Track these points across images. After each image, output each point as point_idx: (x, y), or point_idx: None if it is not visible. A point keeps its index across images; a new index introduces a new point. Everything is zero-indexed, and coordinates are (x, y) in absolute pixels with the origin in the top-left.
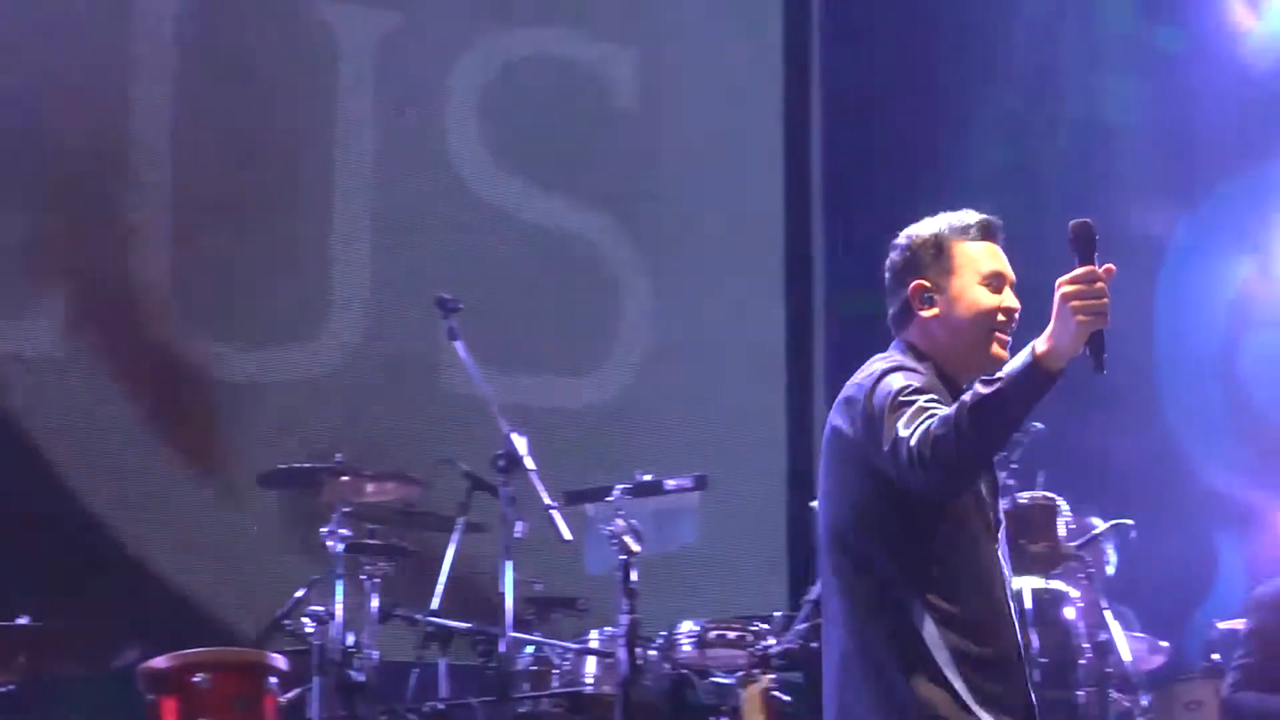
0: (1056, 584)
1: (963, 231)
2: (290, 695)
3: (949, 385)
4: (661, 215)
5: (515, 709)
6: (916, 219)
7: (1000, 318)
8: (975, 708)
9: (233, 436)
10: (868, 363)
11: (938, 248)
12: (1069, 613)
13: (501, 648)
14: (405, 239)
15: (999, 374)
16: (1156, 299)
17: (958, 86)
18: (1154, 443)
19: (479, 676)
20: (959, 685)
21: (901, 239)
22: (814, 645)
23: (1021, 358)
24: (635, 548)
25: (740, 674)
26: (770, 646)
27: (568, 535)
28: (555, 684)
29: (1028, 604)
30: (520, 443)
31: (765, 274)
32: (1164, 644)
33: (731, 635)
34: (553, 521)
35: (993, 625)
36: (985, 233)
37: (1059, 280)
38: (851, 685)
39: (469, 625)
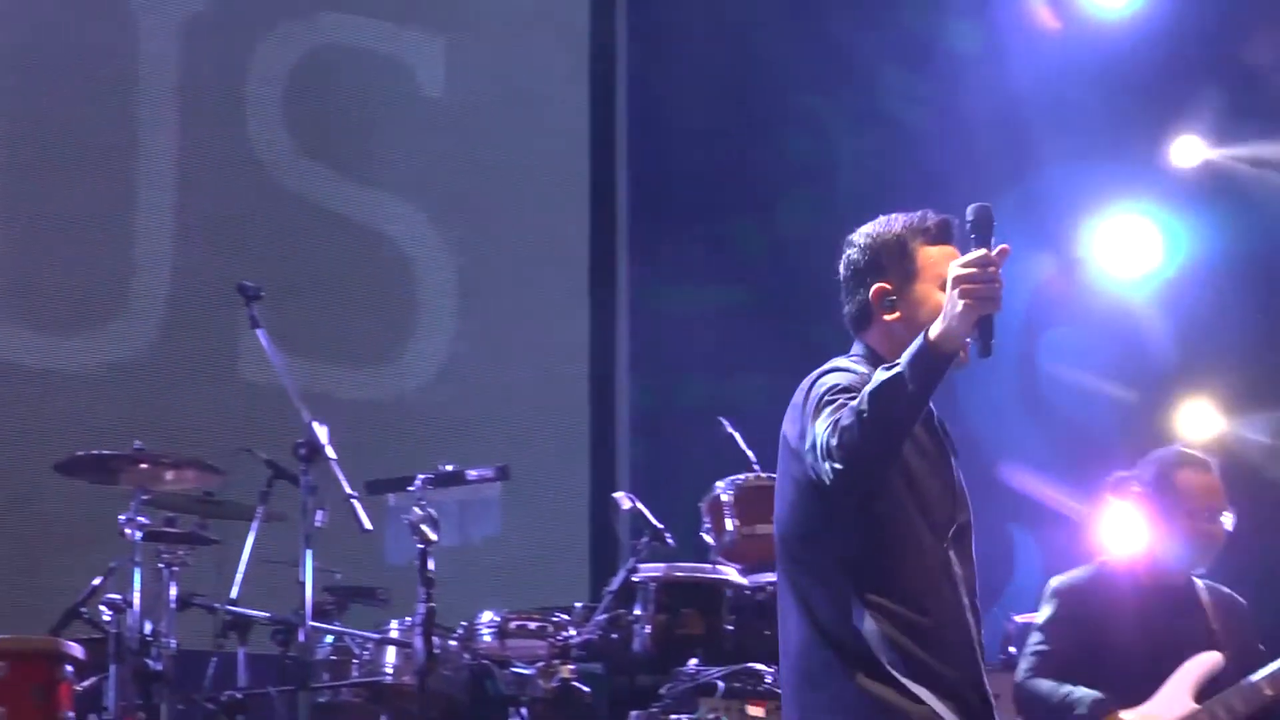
0: None
1: (923, 233)
2: (87, 684)
3: None
4: (467, 206)
5: (314, 699)
6: (721, 215)
7: None
8: (926, 696)
9: (30, 423)
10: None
11: (900, 250)
12: None
13: (301, 637)
14: (207, 225)
15: (897, 360)
16: None
17: (761, 84)
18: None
19: (278, 666)
20: (906, 681)
21: (860, 238)
22: (614, 636)
23: (916, 342)
24: (432, 536)
25: (540, 665)
26: (571, 637)
27: (368, 525)
28: (355, 674)
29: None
30: (321, 432)
31: (570, 267)
32: None
33: (532, 626)
34: (354, 511)
35: (939, 625)
36: (944, 234)
37: (952, 263)
38: (808, 685)
39: (268, 615)
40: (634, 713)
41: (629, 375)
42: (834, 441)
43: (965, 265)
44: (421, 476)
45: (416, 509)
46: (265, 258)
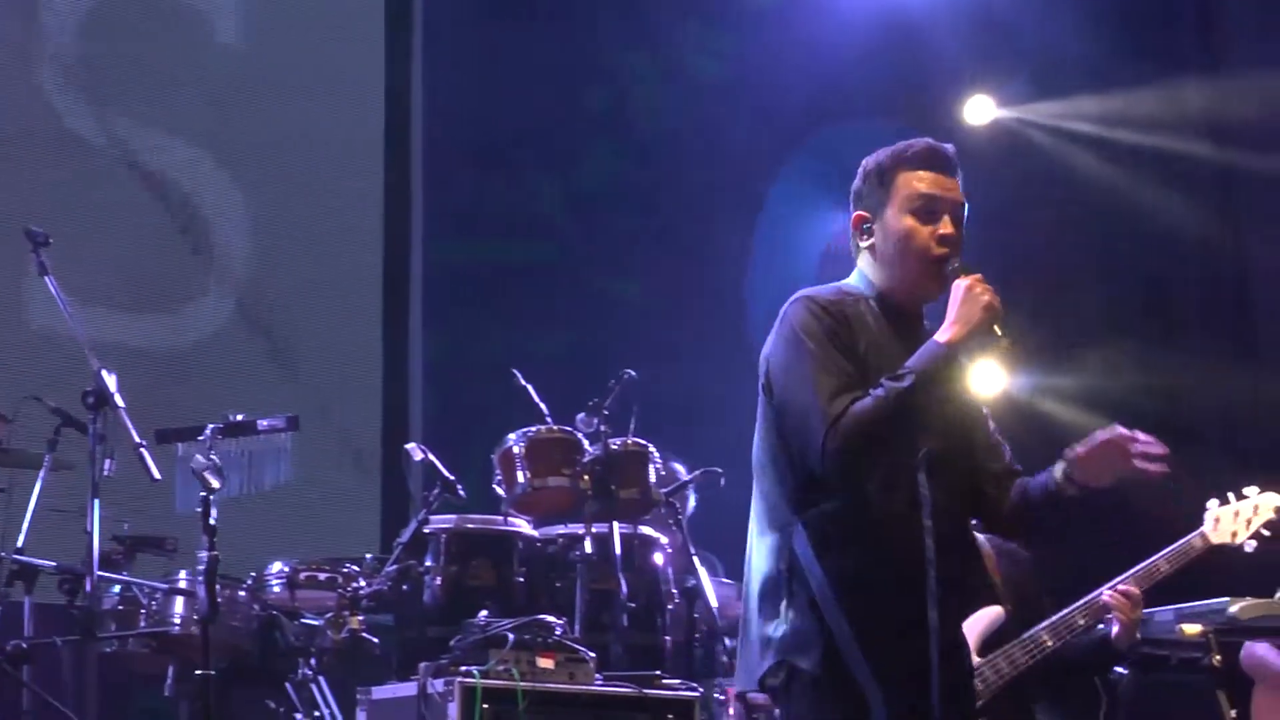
0: (646, 530)
1: (903, 159)
2: None
3: (892, 315)
4: (260, 154)
5: (101, 649)
6: (519, 168)
7: (935, 249)
8: (843, 636)
9: None
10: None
11: (879, 176)
12: (658, 558)
13: (87, 587)
14: None
15: (906, 369)
16: (755, 248)
17: (559, 38)
18: (746, 391)
19: (64, 616)
20: (833, 612)
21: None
22: (404, 588)
23: (930, 353)
24: (215, 484)
25: (329, 616)
26: (361, 588)
27: (157, 474)
28: (142, 624)
29: (617, 549)
30: (110, 380)
31: (363, 215)
32: None
33: (322, 577)
34: (142, 460)
35: (886, 559)
36: (926, 160)
37: (962, 282)
38: (757, 612)
39: (54, 564)
40: (423, 664)
41: (423, 327)
42: (847, 433)
43: (975, 283)
44: (211, 426)
45: (200, 457)
46: (54, 203)
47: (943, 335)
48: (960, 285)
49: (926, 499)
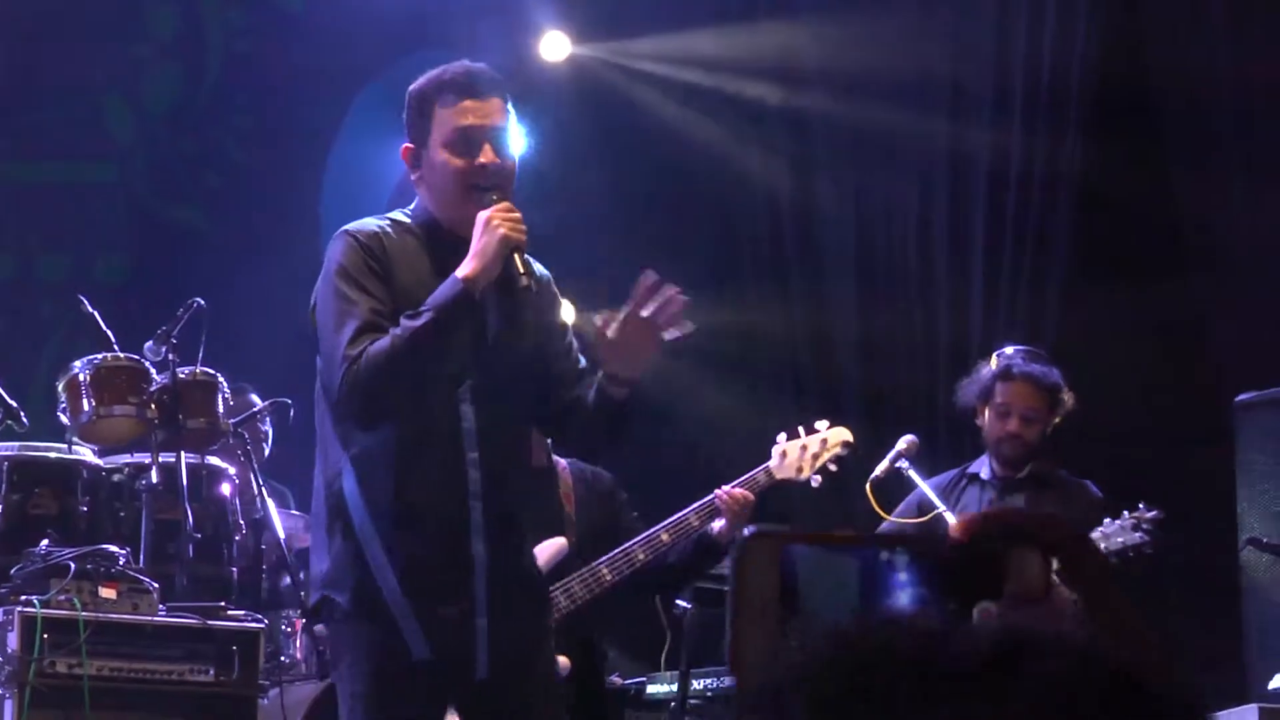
0: (214, 460)
1: (440, 89)
2: None
3: (444, 246)
4: None
5: None
6: (87, 88)
7: (471, 178)
8: (387, 580)
9: None
10: None
11: (420, 107)
12: (225, 489)
13: None
14: None
15: (425, 306)
16: (326, 181)
17: None
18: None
19: None
20: (371, 547)
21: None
22: None
23: (447, 290)
24: None
25: None
26: None
27: None
28: None
29: (183, 479)
30: None
31: None
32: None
33: None
34: None
35: (424, 514)
36: (462, 88)
37: (482, 214)
38: (316, 540)
39: None
40: None
41: None
42: (363, 380)
43: (495, 212)
44: None
45: None
46: None
47: (461, 270)
48: (481, 217)
49: (470, 431)
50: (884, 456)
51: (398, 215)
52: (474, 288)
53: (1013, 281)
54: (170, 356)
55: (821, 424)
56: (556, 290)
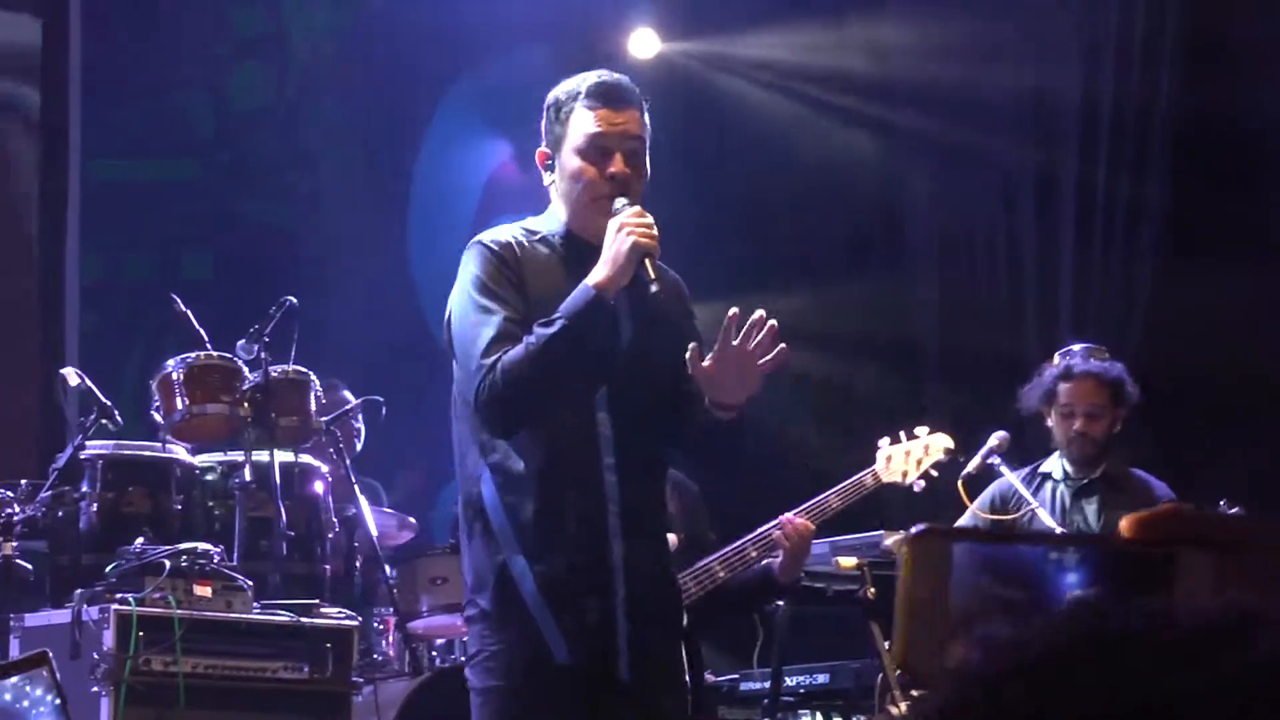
0: (306, 458)
1: (576, 97)
2: None
3: (578, 253)
4: None
5: None
6: (172, 87)
7: (601, 188)
8: (518, 568)
9: None
10: None
11: (556, 113)
12: (318, 487)
13: None
14: None
15: (558, 314)
16: (415, 177)
17: None
18: (402, 321)
19: None
20: (511, 553)
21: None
22: (59, 514)
23: (579, 297)
24: None
25: None
26: (14, 514)
27: None
28: None
29: (276, 477)
30: None
31: (22, 133)
32: (411, 520)
33: None
34: None
35: (562, 490)
36: (598, 96)
37: (614, 221)
38: (463, 544)
39: None
40: (78, 591)
41: (79, 247)
42: (495, 384)
43: (627, 219)
44: None
45: None
46: None
47: (592, 278)
48: (612, 224)
49: (607, 437)
50: (974, 453)
51: (530, 223)
52: (606, 295)
53: (1103, 282)
54: (262, 355)
55: (921, 429)
56: (688, 299)
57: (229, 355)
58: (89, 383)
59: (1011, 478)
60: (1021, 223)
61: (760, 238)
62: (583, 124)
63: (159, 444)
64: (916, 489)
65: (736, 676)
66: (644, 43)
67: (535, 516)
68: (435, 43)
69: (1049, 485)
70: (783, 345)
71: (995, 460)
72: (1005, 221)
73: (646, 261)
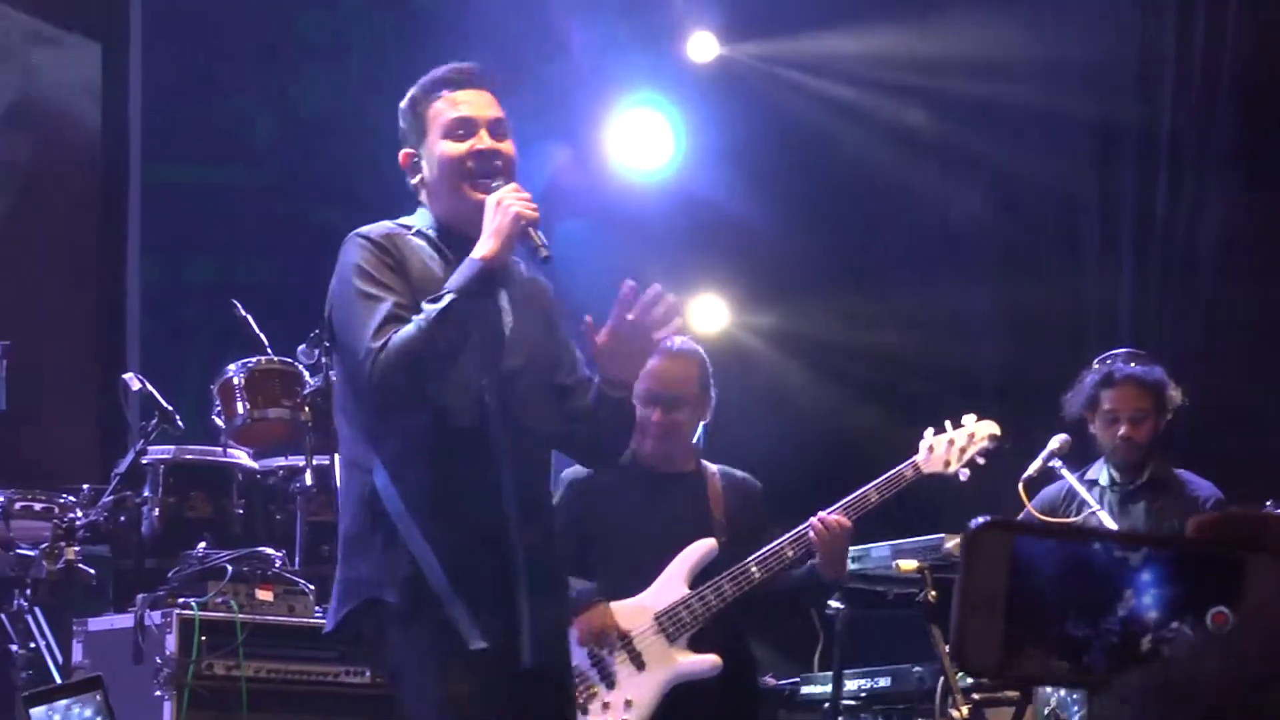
0: None
1: (431, 89)
2: None
3: (452, 246)
4: None
5: None
6: (233, 93)
7: (469, 163)
8: (426, 561)
9: None
10: None
11: (413, 113)
12: None
13: None
14: None
15: (446, 289)
16: None
17: None
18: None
19: None
20: (414, 540)
21: None
22: (121, 519)
23: (466, 270)
24: None
25: (44, 546)
26: (77, 519)
27: None
28: None
29: (337, 481)
30: None
31: (80, 139)
32: None
33: (37, 507)
34: None
35: (459, 499)
36: (451, 83)
37: (491, 197)
38: (349, 548)
39: None
40: (141, 595)
41: (139, 247)
42: (389, 363)
43: (505, 194)
44: None
45: None
46: None
47: (478, 251)
48: (490, 200)
49: (494, 413)
50: (1035, 456)
51: (403, 220)
52: (491, 266)
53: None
54: (323, 359)
55: (968, 418)
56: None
57: (289, 360)
58: (150, 387)
59: (1073, 480)
60: (1086, 243)
61: (817, 239)
62: (441, 111)
63: (220, 448)
64: (961, 478)
65: (797, 680)
66: (702, 46)
67: (431, 502)
68: (495, 49)
69: (1095, 492)
70: (678, 317)
71: (1056, 463)
72: (1065, 237)
73: (531, 231)
